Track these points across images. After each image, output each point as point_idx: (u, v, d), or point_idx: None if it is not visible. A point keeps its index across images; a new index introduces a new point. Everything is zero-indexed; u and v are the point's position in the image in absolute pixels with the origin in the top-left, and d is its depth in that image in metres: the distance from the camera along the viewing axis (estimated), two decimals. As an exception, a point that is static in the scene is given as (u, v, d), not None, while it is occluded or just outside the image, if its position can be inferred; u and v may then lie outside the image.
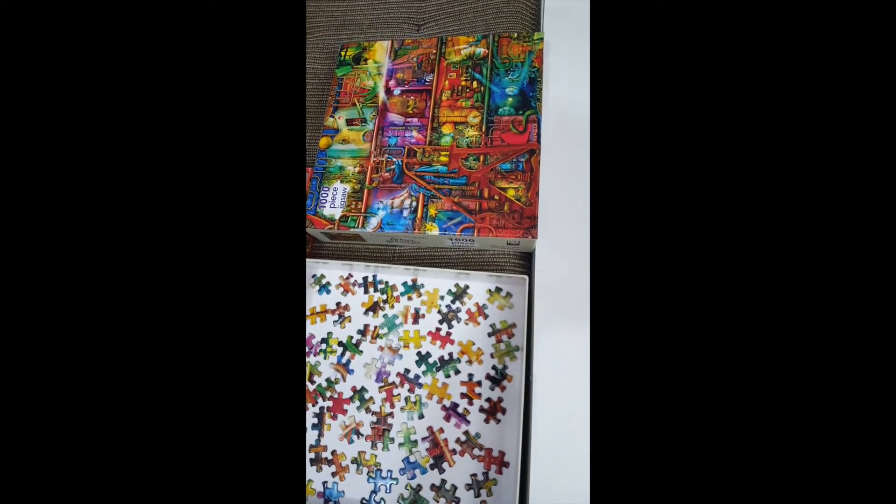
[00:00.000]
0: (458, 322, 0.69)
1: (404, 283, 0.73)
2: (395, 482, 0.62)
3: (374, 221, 0.68)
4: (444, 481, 0.61)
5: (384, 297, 0.73)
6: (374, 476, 0.63)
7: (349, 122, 0.77)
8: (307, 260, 0.72)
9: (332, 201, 0.71)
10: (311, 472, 0.65)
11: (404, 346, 0.69)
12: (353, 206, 0.70)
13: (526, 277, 0.64)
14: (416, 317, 0.71)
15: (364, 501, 0.62)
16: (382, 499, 0.62)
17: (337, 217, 0.69)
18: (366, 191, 0.70)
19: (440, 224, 0.66)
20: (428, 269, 0.68)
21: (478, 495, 0.60)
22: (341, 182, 0.72)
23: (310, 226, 0.70)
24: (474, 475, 0.61)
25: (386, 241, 0.73)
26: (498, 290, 0.70)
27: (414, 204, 0.68)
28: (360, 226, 0.68)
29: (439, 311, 0.71)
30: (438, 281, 0.72)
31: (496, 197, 0.65)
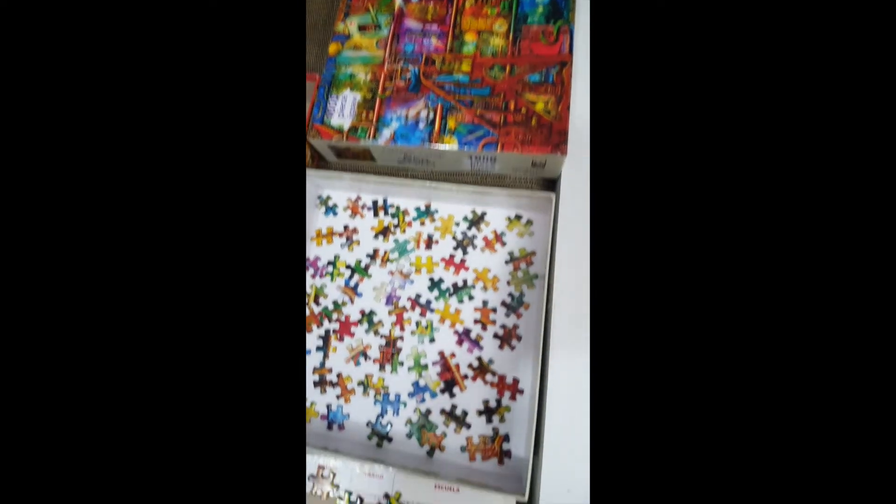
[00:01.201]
0: (474, 249, 0.66)
1: (417, 209, 0.69)
2: (403, 406, 0.61)
3: (386, 133, 0.63)
4: (454, 406, 0.60)
5: (395, 221, 0.69)
6: (381, 399, 0.62)
7: (361, 28, 0.70)
8: (311, 175, 0.67)
9: (341, 111, 0.65)
10: (314, 394, 0.63)
11: (416, 272, 0.66)
12: (363, 117, 0.64)
13: (552, 196, 0.59)
14: (430, 243, 0.67)
15: (370, 424, 0.61)
16: (390, 422, 0.60)
17: (346, 127, 0.64)
18: (378, 100, 0.65)
19: (460, 138, 0.61)
20: (443, 190, 0.63)
21: (489, 421, 0.58)
22: (351, 90, 0.66)
23: (315, 136, 0.65)
24: (486, 401, 0.59)
25: (398, 160, 0.68)
26: (518, 217, 0.66)
27: (431, 116, 0.62)
28: (370, 137, 0.63)
29: (454, 238, 0.67)
30: (454, 207, 0.68)
31: (523, 110, 0.60)
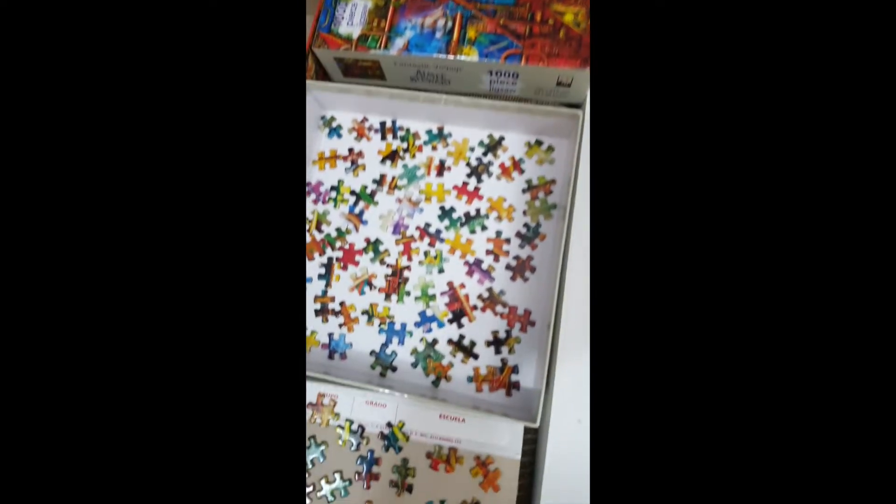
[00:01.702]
0: (490, 176, 0.62)
1: (428, 132, 0.65)
2: (409, 335, 0.59)
3: (399, 43, 0.58)
4: (462, 336, 0.57)
5: (405, 145, 0.65)
6: (386, 328, 0.59)
7: (373, -71, 0.63)
8: (314, 91, 0.62)
9: (350, 18, 0.60)
10: (315, 322, 0.61)
11: (425, 200, 0.63)
12: (374, 25, 0.59)
13: (579, 113, 0.54)
14: (441, 169, 0.63)
15: (374, 353, 0.59)
16: (395, 351, 0.58)
17: (355, 36, 0.59)
18: (391, 7, 0.59)
19: (480, 49, 0.56)
20: (461, 106, 0.57)
21: (498, 352, 0.56)
22: (362, -4, 0.60)
23: (321, 45, 0.60)
24: (496, 332, 0.57)
25: (410, 77, 0.63)
26: (538, 143, 0.62)
27: (449, 25, 0.57)
28: (382, 47, 0.58)
29: (468, 164, 0.63)
30: (469, 130, 0.64)
31: (550, 21, 0.55)
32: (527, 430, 0.53)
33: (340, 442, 0.54)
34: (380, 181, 0.64)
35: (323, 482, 0.53)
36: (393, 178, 0.63)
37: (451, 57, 0.56)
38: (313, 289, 0.61)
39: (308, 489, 0.53)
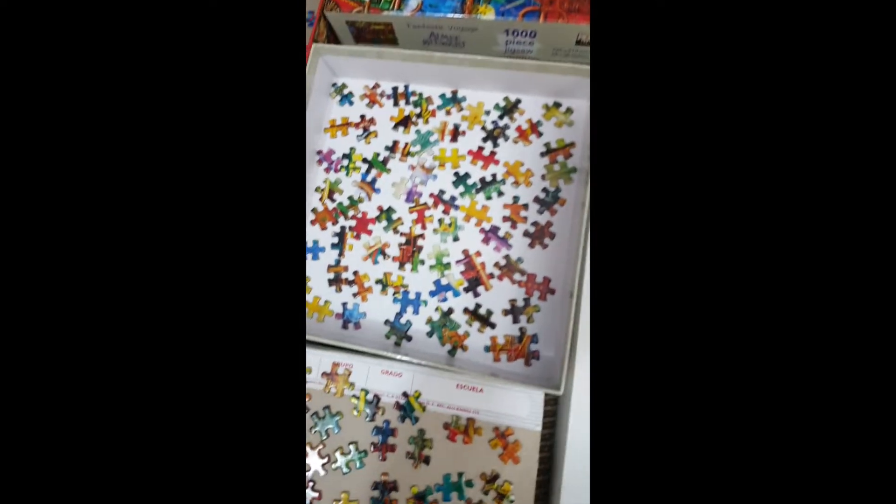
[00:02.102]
0: (506, 140, 0.60)
1: (442, 95, 0.62)
2: (424, 304, 0.57)
3: (412, 3, 0.56)
4: (478, 305, 0.56)
5: (417, 110, 0.63)
6: (400, 297, 0.58)
7: None
8: (326, 57, 0.60)
9: (362, -24, 0.58)
10: (329, 292, 0.59)
11: (440, 166, 0.61)
12: (387, -17, 0.57)
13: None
14: (455, 133, 0.61)
15: (389, 322, 0.58)
16: (409, 321, 0.57)
17: (367, -5, 0.57)
18: (404, -36, 0.57)
19: (497, 7, 0.53)
20: (476, 67, 0.55)
21: (516, 321, 0.55)
22: (373, -46, 0.58)
23: (333, 8, 0.58)
24: (513, 300, 0.55)
25: (423, 39, 0.61)
26: (557, 105, 0.59)
27: (465, -20, 0.55)
28: (395, 7, 0.56)
29: (483, 128, 0.60)
30: (484, 94, 0.61)
31: (571, -28, 0.53)
32: (546, 402, 0.51)
33: (355, 412, 0.53)
34: (392, 148, 0.62)
35: (338, 454, 0.52)
36: (406, 145, 0.61)
37: (466, 16, 0.54)
38: (326, 258, 0.60)
39: (323, 461, 0.52)
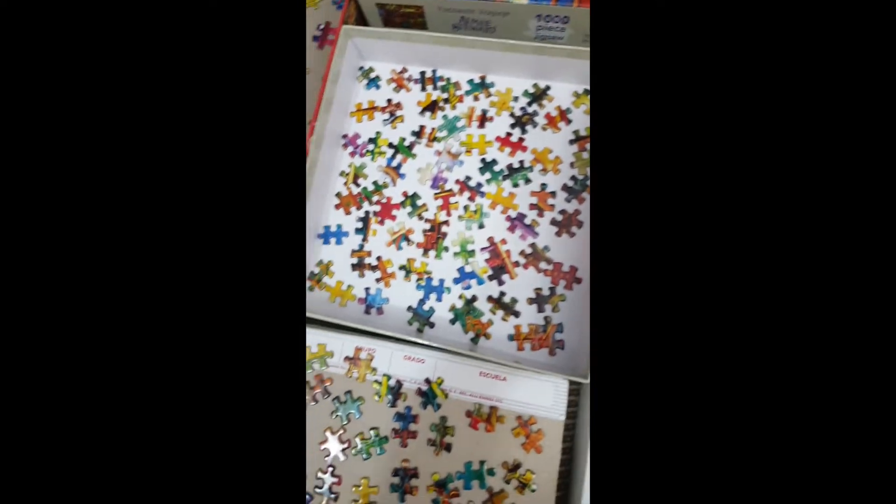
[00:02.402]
0: (534, 127, 0.59)
1: (470, 81, 0.62)
2: (447, 291, 0.56)
3: (444, -16, 0.55)
4: (503, 293, 0.55)
5: (445, 95, 0.62)
6: (424, 284, 0.58)
7: None
8: (354, 39, 0.59)
9: (393, -42, 0.57)
10: (352, 277, 0.59)
11: (466, 152, 0.60)
12: (419, -36, 0.56)
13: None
14: (483, 120, 0.60)
15: (412, 309, 0.57)
16: (432, 308, 0.56)
17: (398, -24, 0.56)
18: (436, -55, 0.56)
19: (531, -13, 0.52)
20: (506, 51, 0.53)
21: (541, 310, 0.54)
22: (405, -65, 0.57)
23: (363, -11, 0.58)
24: (539, 289, 0.54)
25: (452, 24, 0.60)
26: (587, 91, 0.58)
27: (498, -39, 0.54)
28: (426, -12, 0.55)
29: (511, 115, 0.59)
30: (513, 80, 0.60)
31: (608, -46, 0.51)
32: (570, 392, 0.51)
33: (377, 398, 0.52)
34: (419, 133, 0.61)
35: (358, 439, 0.52)
36: (432, 130, 0.61)
37: (498, 0, 0.53)
38: (350, 243, 0.60)
39: (343, 446, 0.52)
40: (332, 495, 0.50)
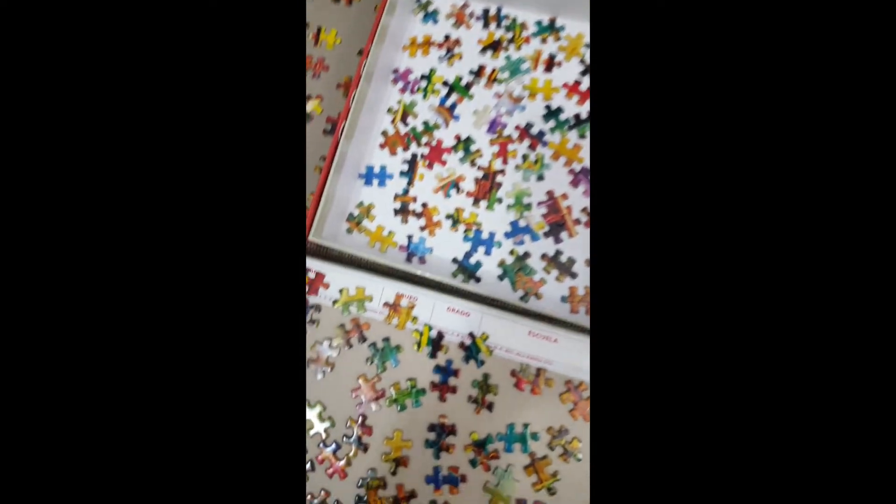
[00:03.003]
0: (605, 76, 0.55)
1: (538, 23, 0.57)
2: (497, 246, 0.53)
3: None
4: (559, 252, 0.51)
5: (510, 35, 0.57)
6: (472, 236, 0.54)
7: None
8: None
9: None
10: (394, 222, 0.55)
11: (529, 97, 0.55)
12: None
13: None
14: (550, 64, 0.56)
15: (456, 261, 0.54)
16: (480, 261, 0.53)
17: None
18: None
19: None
20: (577, 2, 0.50)
21: (600, 273, 0.51)
22: None
23: None
24: (600, 251, 0.52)
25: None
26: (668, 41, 0.54)
27: None
28: None
29: (582, 61, 0.55)
30: (586, 25, 0.55)
31: None
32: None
33: (416, 347, 0.49)
34: (478, 73, 0.56)
35: (393, 390, 0.49)
36: (493, 71, 0.56)
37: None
38: (394, 186, 0.56)
39: (377, 395, 0.48)
40: (362, 446, 0.48)
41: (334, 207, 0.53)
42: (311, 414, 0.48)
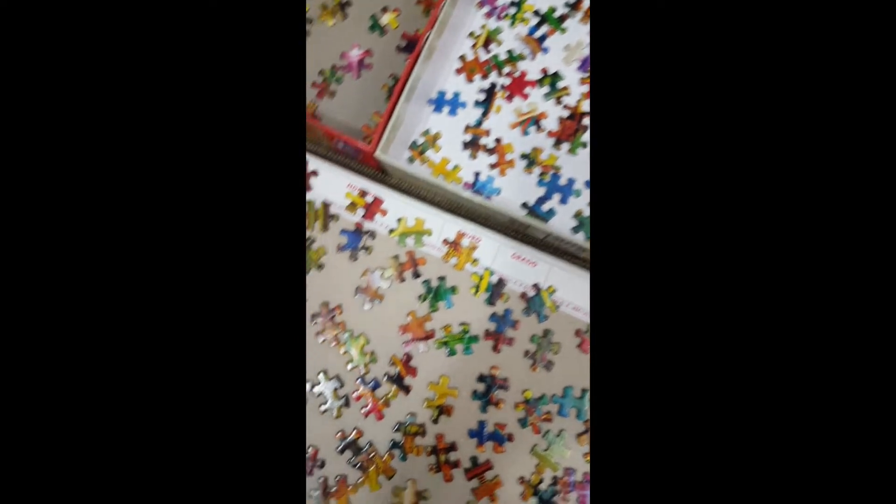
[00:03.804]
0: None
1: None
2: (575, 195, 0.48)
3: None
4: (646, 209, 0.48)
5: (617, -35, 0.52)
6: (548, 181, 0.50)
7: None
8: None
9: None
10: (462, 156, 0.50)
11: (630, 36, 0.51)
12: None
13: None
14: (659, 2, 0.51)
15: (526, 206, 0.49)
16: (553, 210, 0.48)
17: None
18: None
19: None
20: None
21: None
22: None
23: None
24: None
25: None
26: None
27: None
28: None
29: (696, 2, 0.50)
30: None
31: None
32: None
33: (473, 291, 0.45)
34: (574, 5, 0.51)
35: (443, 332, 0.45)
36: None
37: None
38: (465, 116, 0.51)
39: (426, 335, 0.43)
40: (403, 388, 0.44)
41: (399, 133, 0.48)
42: (353, 346, 0.44)
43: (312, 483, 0.42)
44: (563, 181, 0.48)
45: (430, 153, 0.50)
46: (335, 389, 0.43)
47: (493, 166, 0.49)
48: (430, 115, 0.51)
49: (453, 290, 0.45)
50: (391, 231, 0.46)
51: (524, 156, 0.49)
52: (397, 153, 0.50)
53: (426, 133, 0.51)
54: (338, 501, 0.41)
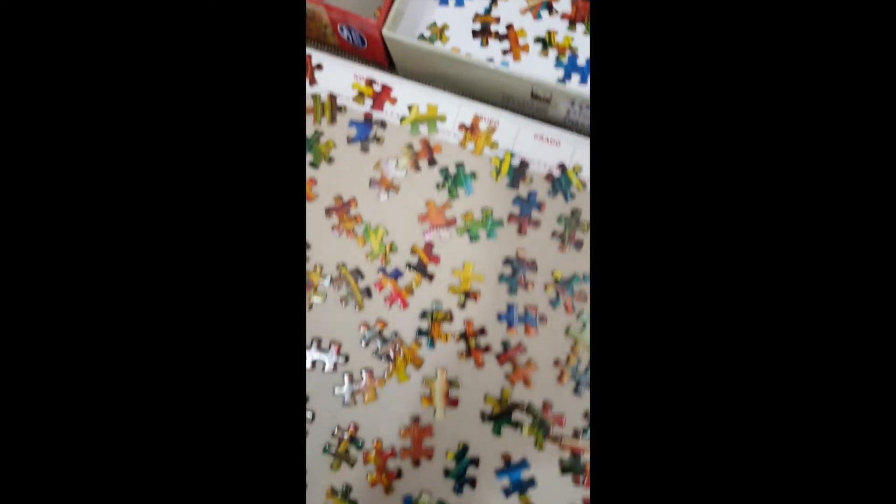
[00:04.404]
0: None
1: None
2: (595, 73, 0.47)
3: None
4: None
5: None
6: (566, 62, 0.46)
7: None
8: None
9: None
10: (472, 44, 0.46)
11: None
12: None
13: None
14: None
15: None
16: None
17: None
18: None
19: None
20: None
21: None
22: None
23: None
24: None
25: None
26: None
27: None
28: None
29: None
30: None
31: None
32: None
33: (494, 175, 0.43)
34: None
35: (463, 219, 0.43)
36: None
37: None
38: (474, 5, 0.48)
39: (446, 223, 0.41)
40: (427, 277, 0.42)
41: (401, 26, 0.46)
42: (373, 238, 0.42)
43: (337, 379, 0.40)
44: (580, 62, 0.45)
45: (438, 45, 0.48)
46: (356, 281, 0.41)
47: (505, 52, 0.47)
48: (435, 9, 0.49)
49: (473, 175, 0.43)
50: (402, 119, 0.44)
51: (538, 39, 0.47)
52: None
53: (432, 26, 0.48)
54: (367, 396, 0.40)
